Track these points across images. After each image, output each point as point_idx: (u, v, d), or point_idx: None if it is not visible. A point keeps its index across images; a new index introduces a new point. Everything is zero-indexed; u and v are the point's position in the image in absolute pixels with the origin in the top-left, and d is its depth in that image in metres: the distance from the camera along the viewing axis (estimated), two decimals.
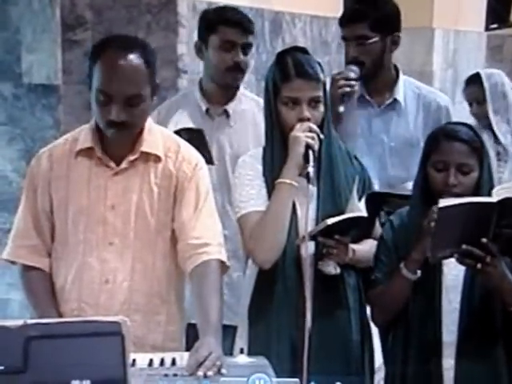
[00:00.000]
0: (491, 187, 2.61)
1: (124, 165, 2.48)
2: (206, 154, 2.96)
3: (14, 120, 3.96)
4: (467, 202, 2.44)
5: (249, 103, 3.28)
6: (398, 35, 3.22)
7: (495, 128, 4.04)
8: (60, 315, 2.47)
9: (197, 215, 2.49)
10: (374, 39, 3.15)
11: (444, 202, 2.40)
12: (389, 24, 3.19)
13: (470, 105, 4.17)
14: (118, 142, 2.47)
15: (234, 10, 3.29)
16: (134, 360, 2.22)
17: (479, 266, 2.45)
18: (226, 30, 3.16)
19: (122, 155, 2.48)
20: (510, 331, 2.60)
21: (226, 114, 3.23)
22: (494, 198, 2.46)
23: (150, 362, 2.26)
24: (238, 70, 3.17)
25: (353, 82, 3.11)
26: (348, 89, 3.09)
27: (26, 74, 3.92)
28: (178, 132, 2.92)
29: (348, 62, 3.18)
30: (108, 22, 4.03)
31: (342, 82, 3.09)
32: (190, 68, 4.16)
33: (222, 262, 2.49)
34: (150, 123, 2.53)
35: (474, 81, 4.15)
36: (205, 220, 2.50)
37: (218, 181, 3.16)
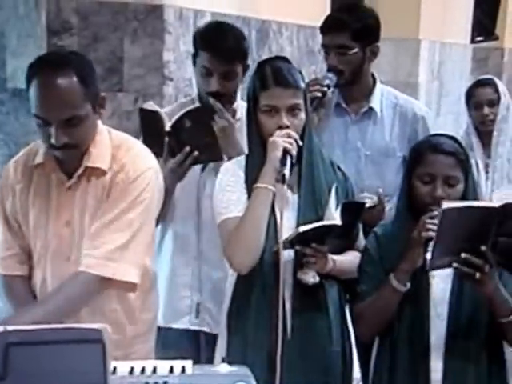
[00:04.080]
0: (475, 199, 2.63)
1: (73, 180, 2.45)
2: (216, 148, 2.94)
3: None
4: (470, 206, 2.44)
5: (244, 113, 3.26)
6: (378, 46, 3.24)
7: (495, 134, 4.07)
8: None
9: (103, 227, 2.41)
10: (354, 50, 3.17)
11: (447, 204, 2.39)
12: (369, 35, 3.21)
13: (477, 108, 4.17)
14: (67, 160, 2.44)
15: (219, 33, 3.12)
16: (114, 368, 2.20)
17: (478, 275, 2.44)
18: (205, 56, 3.05)
19: (72, 170, 2.46)
20: (493, 343, 2.61)
21: None
22: (496, 203, 2.46)
23: (131, 370, 2.25)
24: (218, 95, 3.06)
25: (325, 89, 3.12)
26: (319, 94, 3.10)
27: (11, 78, 3.90)
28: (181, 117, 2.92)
29: (327, 70, 3.19)
30: (94, 28, 4.01)
31: (315, 87, 3.10)
32: (175, 75, 4.15)
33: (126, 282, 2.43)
34: (99, 134, 2.47)
35: (488, 83, 4.18)
36: (109, 233, 2.41)
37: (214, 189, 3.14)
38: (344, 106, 3.27)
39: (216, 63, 3.03)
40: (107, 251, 2.40)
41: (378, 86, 3.30)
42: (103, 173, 2.45)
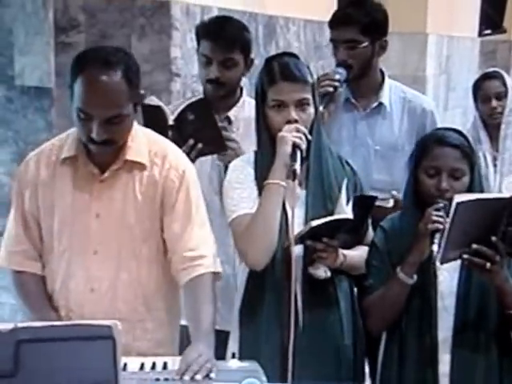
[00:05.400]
0: (481, 191, 2.63)
1: (108, 173, 2.46)
2: (218, 137, 2.97)
3: (6, 122, 3.94)
4: (482, 198, 2.45)
5: (252, 110, 3.26)
6: (386, 40, 3.24)
7: (503, 127, 4.06)
8: (59, 317, 2.47)
9: (190, 226, 2.48)
10: (364, 44, 3.17)
11: (460, 198, 2.39)
12: (378, 29, 3.22)
13: (485, 101, 4.16)
14: (101, 155, 2.45)
15: (220, 23, 3.20)
16: (125, 364, 2.21)
17: (488, 265, 2.44)
18: (204, 44, 3.12)
19: (106, 163, 2.46)
20: (503, 335, 2.60)
21: (228, 120, 3.20)
22: (506, 194, 2.46)
23: (142, 366, 2.25)
24: (217, 83, 3.10)
25: (336, 83, 3.12)
26: (330, 89, 3.10)
27: (19, 76, 3.90)
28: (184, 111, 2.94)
29: (336, 65, 3.19)
30: (101, 25, 4.01)
31: (326, 82, 3.10)
32: (183, 72, 4.15)
33: (216, 272, 2.49)
34: (134, 129, 2.49)
35: (496, 76, 4.18)
36: (198, 231, 2.49)
37: (220, 186, 3.14)
38: (353, 101, 3.26)
39: (216, 51, 3.08)
40: (209, 247, 2.49)
41: (387, 80, 3.30)
42: (143, 167, 2.47)
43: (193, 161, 2.94)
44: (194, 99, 3.06)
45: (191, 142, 2.95)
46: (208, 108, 3.01)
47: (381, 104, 3.26)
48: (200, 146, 2.96)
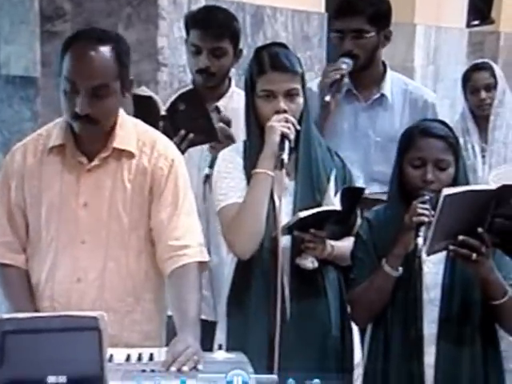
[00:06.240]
0: (467, 183, 2.63)
1: (96, 162, 2.44)
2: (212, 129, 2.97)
3: None
4: (470, 190, 2.45)
5: (241, 101, 3.25)
6: (390, 31, 3.25)
7: (491, 118, 4.07)
8: (37, 311, 2.44)
9: (177, 215, 2.46)
10: (371, 33, 3.17)
11: (448, 191, 2.39)
12: (384, 19, 3.23)
13: (474, 92, 4.15)
14: (88, 138, 2.44)
15: (209, 12, 3.23)
16: (111, 355, 2.20)
17: (474, 256, 2.44)
18: (194, 33, 3.13)
19: (94, 152, 2.45)
20: (487, 327, 2.61)
21: (218, 110, 3.19)
22: (493, 186, 2.46)
23: (128, 358, 2.24)
24: (207, 73, 3.12)
25: (344, 72, 3.12)
26: (337, 76, 3.10)
27: (4, 65, 3.88)
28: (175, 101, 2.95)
29: (341, 55, 3.18)
30: (87, 14, 3.99)
31: (331, 73, 3.10)
32: (170, 61, 4.13)
33: (203, 262, 2.48)
34: (122, 118, 2.49)
35: (485, 68, 4.18)
36: (185, 220, 2.47)
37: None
38: (354, 92, 3.25)
39: (205, 40, 3.09)
40: (195, 237, 2.47)
41: (389, 72, 3.30)
42: (131, 155, 2.45)
43: (184, 151, 2.93)
44: (184, 89, 3.05)
45: (183, 132, 2.95)
46: (199, 98, 3.01)
47: (382, 96, 3.25)
48: (191, 136, 2.95)
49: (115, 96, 2.39)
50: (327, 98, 3.08)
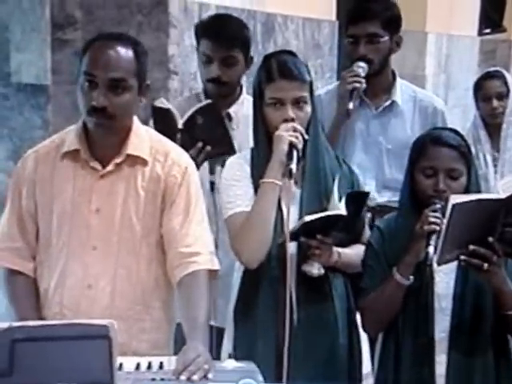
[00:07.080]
0: (478, 191, 2.62)
1: (110, 168, 2.44)
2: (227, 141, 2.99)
3: (2, 119, 3.93)
4: (478, 199, 2.44)
5: (251, 108, 3.25)
6: (401, 36, 3.27)
7: (504, 127, 4.05)
8: (41, 319, 2.42)
9: (188, 222, 2.46)
10: (385, 38, 3.19)
11: (456, 199, 2.38)
12: (396, 24, 3.25)
13: (486, 100, 4.14)
14: (102, 142, 2.44)
15: (219, 21, 3.24)
16: (120, 364, 2.19)
17: (486, 266, 2.43)
18: (205, 43, 3.14)
19: (108, 158, 2.45)
20: (499, 337, 2.60)
21: (229, 117, 3.20)
22: (502, 195, 2.45)
23: (137, 366, 2.23)
24: (219, 82, 3.12)
25: (362, 79, 3.13)
26: (357, 84, 3.11)
27: (15, 73, 3.89)
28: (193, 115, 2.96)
29: (356, 60, 3.18)
30: (98, 22, 4.00)
31: (351, 79, 3.11)
32: (180, 69, 4.13)
33: (213, 270, 2.48)
34: (137, 126, 2.50)
35: (496, 76, 4.17)
36: (196, 227, 2.47)
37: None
38: (365, 99, 3.26)
39: (216, 49, 3.09)
40: (206, 245, 2.48)
41: (398, 79, 3.31)
42: (145, 162, 2.46)
43: (201, 163, 2.94)
44: (203, 103, 3.07)
45: (200, 144, 2.96)
46: (217, 111, 3.03)
47: (393, 103, 3.26)
48: (208, 148, 2.96)
49: (132, 94, 2.41)
50: (350, 106, 3.09)
